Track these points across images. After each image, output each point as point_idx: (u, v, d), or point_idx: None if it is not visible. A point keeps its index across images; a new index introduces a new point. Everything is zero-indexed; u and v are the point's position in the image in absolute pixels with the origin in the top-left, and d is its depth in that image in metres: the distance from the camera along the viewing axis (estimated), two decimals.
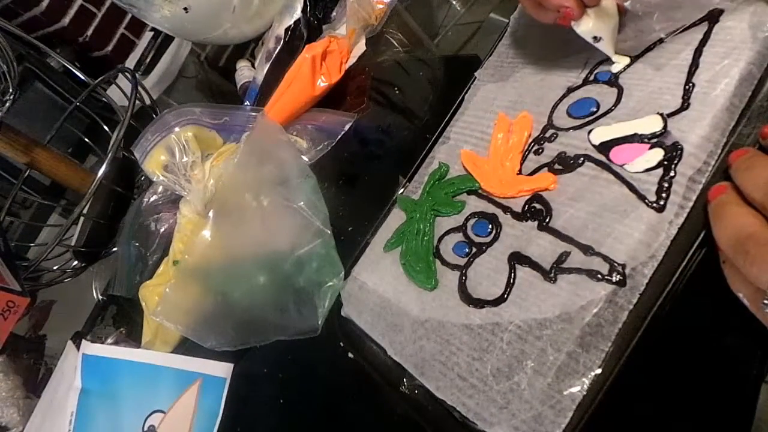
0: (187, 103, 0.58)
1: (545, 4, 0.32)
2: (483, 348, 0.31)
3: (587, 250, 0.29)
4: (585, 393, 0.26)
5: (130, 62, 1.12)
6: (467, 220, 0.37)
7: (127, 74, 0.72)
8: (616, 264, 0.28)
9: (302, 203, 0.47)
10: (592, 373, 0.26)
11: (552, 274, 0.30)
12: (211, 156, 0.57)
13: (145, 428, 0.48)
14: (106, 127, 0.82)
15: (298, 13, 0.65)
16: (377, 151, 0.55)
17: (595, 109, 0.34)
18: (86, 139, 0.85)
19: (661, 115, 0.30)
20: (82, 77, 0.83)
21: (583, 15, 0.32)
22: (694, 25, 0.32)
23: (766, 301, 0.21)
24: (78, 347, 0.51)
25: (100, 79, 0.75)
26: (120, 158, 0.69)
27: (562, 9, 0.31)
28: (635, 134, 0.31)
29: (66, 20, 1.08)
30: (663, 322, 0.27)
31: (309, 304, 0.44)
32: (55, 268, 0.71)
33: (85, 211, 0.63)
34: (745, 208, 0.24)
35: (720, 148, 0.28)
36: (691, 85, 0.30)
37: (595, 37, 0.34)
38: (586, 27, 0.33)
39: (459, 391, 0.31)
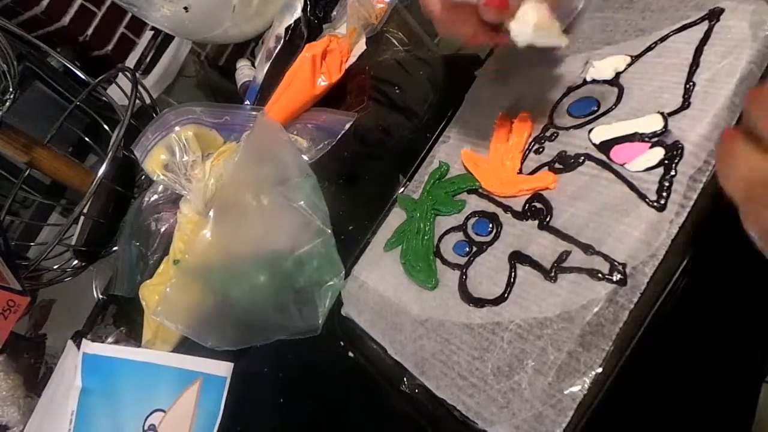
0: (187, 102, 0.57)
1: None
2: (483, 347, 0.31)
3: (588, 249, 0.29)
4: (586, 392, 0.26)
5: (130, 62, 1.12)
6: (467, 219, 0.37)
7: (127, 73, 0.72)
8: (616, 263, 0.28)
9: (302, 202, 0.47)
10: (593, 373, 0.26)
11: (552, 274, 0.30)
12: (212, 155, 0.57)
13: (146, 427, 0.48)
14: (106, 127, 0.82)
15: (298, 13, 0.65)
16: (378, 150, 0.55)
17: (595, 108, 0.34)
18: (86, 139, 0.85)
19: (662, 114, 0.30)
20: (82, 77, 0.83)
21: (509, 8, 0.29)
22: (694, 23, 0.32)
23: None
24: (78, 346, 0.51)
25: (100, 78, 0.75)
26: (120, 157, 0.69)
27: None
28: (636, 133, 0.31)
29: (66, 19, 1.08)
30: (664, 322, 0.27)
31: (309, 303, 0.44)
32: (55, 267, 0.71)
33: (85, 211, 0.63)
34: (754, 149, 0.22)
35: None
36: (691, 84, 0.30)
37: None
38: (522, 35, 0.30)
39: (459, 390, 0.31)
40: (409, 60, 0.57)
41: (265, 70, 0.65)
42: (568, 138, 0.35)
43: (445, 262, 0.37)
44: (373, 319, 0.39)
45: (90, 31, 1.12)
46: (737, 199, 0.22)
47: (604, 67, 0.35)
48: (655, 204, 0.28)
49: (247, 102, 0.69)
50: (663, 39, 0.33)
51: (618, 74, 0.34)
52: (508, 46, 0.30)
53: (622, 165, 0.31)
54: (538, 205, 0.33)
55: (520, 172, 0.36)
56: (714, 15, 0.31)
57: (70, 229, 0.60)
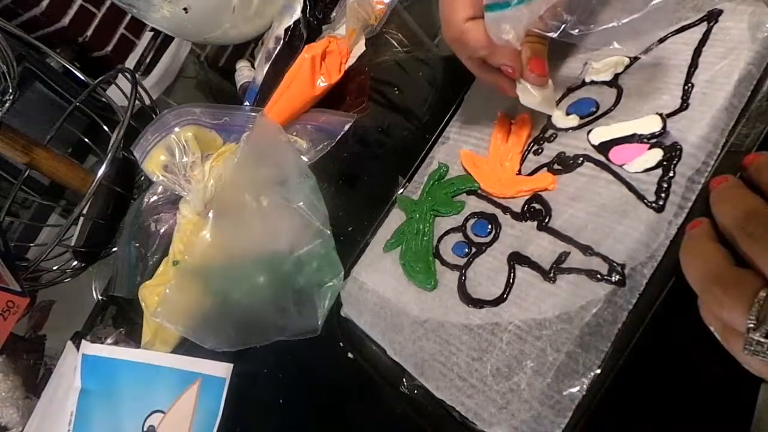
0: (187, 103, 0.58)
1: (491, 62, 0.34)
2: (482, 348, 0.31)
3: (586, 250, 0.30)
4: (584, 393, 0.26)
5: (130, 62, 1.12)
6: (467, 220, 0.37)
7: (126, 74, 0.72)
8: (615, 264, 0.28)
9: (302, 203, 0.47)
10: (592, 374, 0.26)
11: (551, 274, 0.30)
12: (211, 156, 0.57)
13: (145, 428, 0.48)
14: (105, 127, 0.82)
15: (297, 14, 0.65)
16: (377, 151, 0.55)
17: (594, 110, 0.34)
18: (86, 139, 0.85)
19: (661, 115, 0.30)
20: (82, 77, 0.83)
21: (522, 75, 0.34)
22: (693, 25, 0.32)
23: (748, 346, 0.20)
24: (78, 347, 0.51)
25: (99, 79, 0.75)
26: (120, 158, 0.69)
27: (503, 67, 0.33)
28: (634, 134, 0.31)
29: (66, 20, 1.08)
30: (662, 322, 0.27)
31: (309, 304, 0.44)
32: (55, 268, 0.71)
33: (84, 211, 0.63)
34: (713, 244, 0.23)
35: (719, 148, 0.28)
36: (690, 85, 0.30)
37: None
38: (529, 100, 0.35)
39: (458, 391, 0.31)
40: (409, 61, 0.57)
41: (265, 71, 0.65)
42: (567, 139, 0.35)
43: (444, 263, 0.37)
44: (373, 320, 0.39)
45: (90, 32, 1.12)
46: (697, 293, 0.23)
47: (602, 69, 0.35)
48: (654, 205, 0.28)
49: (247, 103, 0.69)
50: (662, 40, 0.33)
51: (617, 75, 0.34)
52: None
53: (620, 166, 0.31)
54: (537, 206, 0.33)
55: (519, 173, 0.36)
56: (712, 16, 0.31)
57: (69, 229, 0.60)
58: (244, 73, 0.78)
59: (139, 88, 0.71)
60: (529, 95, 0.34)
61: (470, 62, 0.36)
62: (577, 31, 0.29)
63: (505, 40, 0.30)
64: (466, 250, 0.36)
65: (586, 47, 0.37)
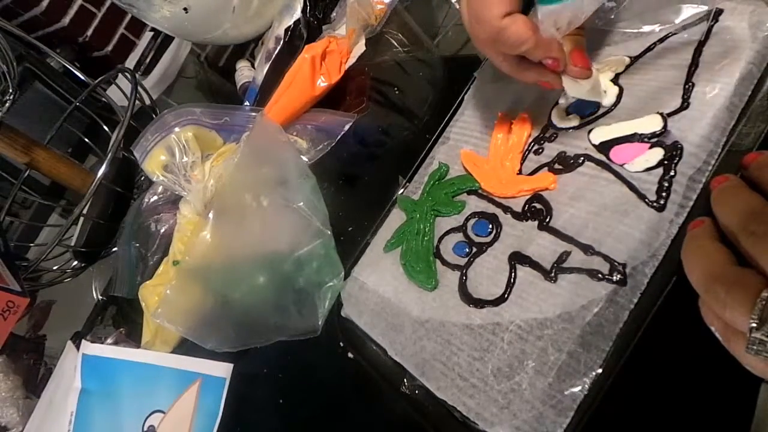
0: (187, 103, 0.57)
1: (532, 57, 0.32)
2: (484, 348, 0.31)
3: (588, 249, 0.30)
4: (586, 393, 0.26)
5: (130, 62, 1.12)
6: (467, 220, 0.37)
7: (127, 74, 0.72)
8: (616, 263, 0.28)
9: (302, 203, 0.47)
10: (594, 373, 0.26)
11: (552, 274, 0.30)
12: (211, 156, 0.57)
13: (145, 428, 0.47)
14: (106, 127, 0.82)
15: (297, 14, 0.65)
16: (377, 151, 0.55)
17: (595, 109, 0.34)
18: (86, 139, 0.85)
19: (661, 114, 0.30)
20: (82, 77, 0.83)
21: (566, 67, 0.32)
22: (693, 24, 0.32)
23: (751, 346, 0.20)
24: (78, 347, 0.51)
25: (100, 79, 0.75)
26: (120, 158, 0.69)
27: (547, 61, 0.31)
28: (635, 134, 0.31)
29: (66, 20, 1.08)
30: (664, 322, 0.27)
31: (309, 304, 0.44)
32: (55, 268, 0.71)
33: (85, 211, 0.63)
34: (715, 243, 0.23)
35: (720, 147, 0.28)
36: (690, 84, 0.30)
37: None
38: (577, 91, 0.34)
39: (460, 391, 0.31)
40: (409, 61, 0.57)
41: (265, 71, 0.65)
42: (567, 139, 0.35)
43: (445, 263, 0.37)
44: (373, 320, 0.39)
45: (90, 32, 1.12)
46: (699, 293, 0.22)
47: (603, 68, 0.35)
48: (655, 204, 0.28)
49: (247, 103, 0.69)
50: (662, 40, 0.33)
51: (617, 75, 0.34)
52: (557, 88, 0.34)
53: (621, 165, 0.31)
54: (538, 206, 0.33)
55: (520, 172, 0.36)
56: (713, 16, 0.31)
57: (69, 230, 0.60)
58: (244, 73, 0.78)
59: (139, 88, 0.71)
60: (577, 86, 0.33)
61: (506, 62, 0.33)
62: (612, 14, 0.29)
63: (551, 33, 0.30)
64: (467, 249, 0.36)
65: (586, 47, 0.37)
